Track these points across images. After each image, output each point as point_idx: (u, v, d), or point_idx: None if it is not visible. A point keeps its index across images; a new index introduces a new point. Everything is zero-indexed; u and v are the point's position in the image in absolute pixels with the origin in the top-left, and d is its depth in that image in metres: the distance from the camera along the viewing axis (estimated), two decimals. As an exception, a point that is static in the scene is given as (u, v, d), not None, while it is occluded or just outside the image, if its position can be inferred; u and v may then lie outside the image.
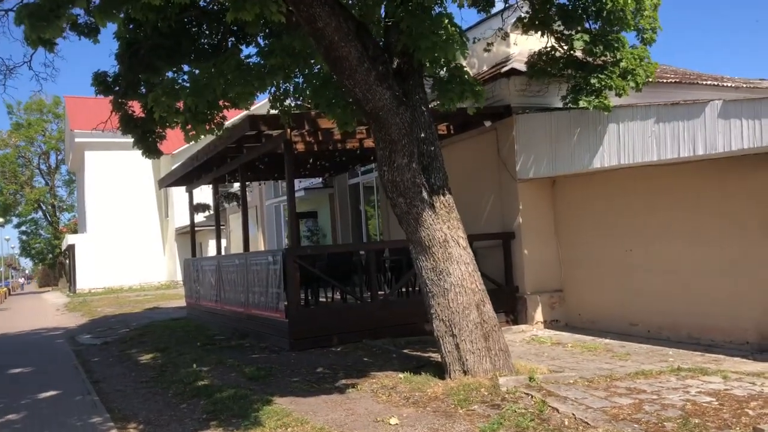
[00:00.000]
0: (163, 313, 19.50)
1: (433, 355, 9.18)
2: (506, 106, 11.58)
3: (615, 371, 7.57)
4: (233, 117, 15.96)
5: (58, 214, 62.96)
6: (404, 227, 7.33)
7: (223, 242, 32.30)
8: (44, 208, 61.79)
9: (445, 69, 8.26)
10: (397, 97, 6.92)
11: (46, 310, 27.39)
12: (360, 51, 6.61)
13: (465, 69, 8.39)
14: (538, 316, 11.48)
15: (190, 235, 17.78)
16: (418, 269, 7.36)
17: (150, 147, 11.63)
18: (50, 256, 62.80)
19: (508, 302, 11.56)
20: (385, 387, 7.33)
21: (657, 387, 6.70)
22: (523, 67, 11.21)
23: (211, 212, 17.99)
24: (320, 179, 19.53)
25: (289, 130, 10.43)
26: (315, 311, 10.74)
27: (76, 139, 40.70)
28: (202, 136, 9.04)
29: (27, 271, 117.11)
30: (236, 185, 20.07)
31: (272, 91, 9.71)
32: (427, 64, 7.64)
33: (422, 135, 7.42)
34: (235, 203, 15.36)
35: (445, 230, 7.21)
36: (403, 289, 11.78)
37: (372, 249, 11.15)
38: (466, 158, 12.69)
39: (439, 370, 7.60)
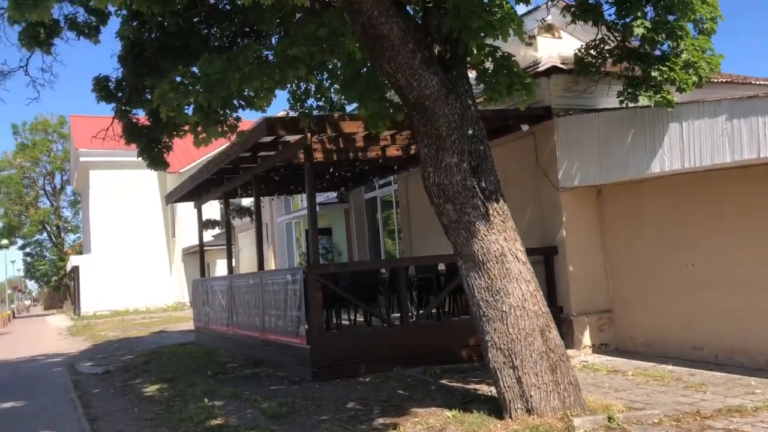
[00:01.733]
0: (169, 338, 18.38)
1: (477, 387, 8.08)
2: (546, 108, 10.53)
3: (699, 407, 6.45)
4: (244, 127, 15.00)
5: (63, 235, 62.08)
6: (452, 239, 6.25)
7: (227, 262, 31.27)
8: (49, 229, 60.95)
9: (491, 59, 7.23)
10: (445, 85, 5.88)
11: (48, 334, 26.30)
12: (403, 29, 5.58)
13: (514, 59, 7.35)
14: (586, 339, 10.33)
15: (198, 254, 16.74)
16: (469, 288, 6.26)
17: (156, 158, 10.67)
18: (55, 278, 61.80)
19: (552, 324, 10.42)
20: (433, 429, 6.21)
21: (762, 429, 5.58)
22: (564, 65, 10.21)
23: (221, 229, 16.93)
24: (335, 194, 18.50)
25: (309, 135, 9.40)
26: (339, 336, 9.63)
27: (81, 159, 39.87)
28: (213, 140, 7.98)
29: (33, 294, 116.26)
30: (245, 201, 19.08)
31: (291, 90, 8.74)
32: (475, 51, 6.61)
33: (470, 132, 6.36)
34: (247, 219, 14.32)
35: (502, 242, 6.13)
36: (433, 311, 10.70)
37: (401, 266, 10.02)
38: (499, 167, 11.54)
39: (495, 408, 6.49)
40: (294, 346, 9.52)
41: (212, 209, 20.89)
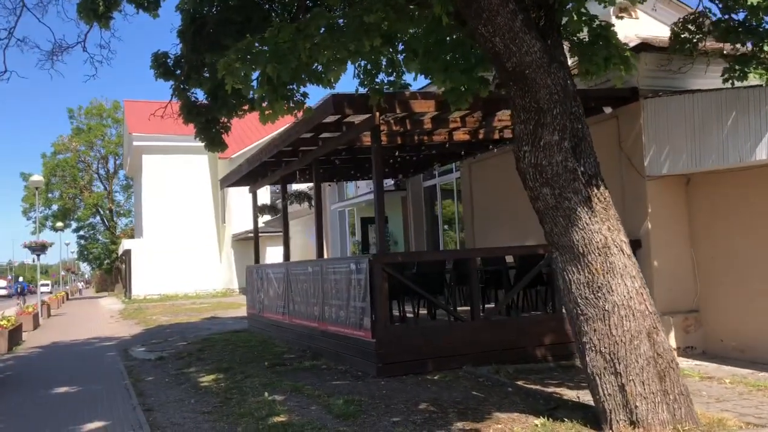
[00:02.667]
0: (221, 324, 18.10)
1: (558, 390, 7.40)
2: (632, 89, 9.70)
3: (825, 423, 5.65)
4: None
5: (115, 219, 63.04)
6: (547, 227, 5.57)
7: (281, 250, 30.98)
8: (102, 212, 61.94)
9: (587, 29, 6.50)
10: (548, 51, 5.19)
11: (100, 317, 26.45)
12: (503, -14, 4.91)
13: (613, 29, 6.60)
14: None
15: (250, 240, 16.36)
16: (566, 284, 5.58)
17: (213, 139, 10.23)
18: (107, 261, 62.85)
19: (632, 323, 9.64)
20: (521, 438, 5.57)
21: None
22: (655, 42, 9.37)
23: (273, 216, 16.50)
24: (392, 181, 17.89)
25: (377, 114, 8.79)
26: (406, 330, 9.03)
27: (134, 143, 40.18)
28: (279, 117, 7.43)
29: (86, 276, 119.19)
30: (296, 187, 18.55)
31: (361, 63, 8.11)
32: (575, 17, 5.89)
33: (572, 107, 5.65)
34: (300, 205, 13.84)
35: (605, 232, 5.43)
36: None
37: (472, 257, 9.35)
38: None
39: (589, 417, 5.82)
40: (357, 339, 8.96)
41: (262, 196, 20.47)
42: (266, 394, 7.80)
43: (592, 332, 5.43)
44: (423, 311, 10.75)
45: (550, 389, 7.50)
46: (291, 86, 7.15)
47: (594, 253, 5.37)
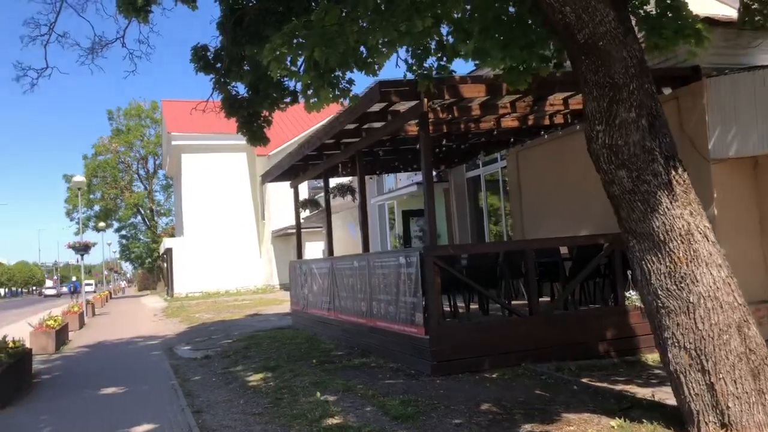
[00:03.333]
0: (265, 321, 17.93)
1: (627, 388, 6.96)
2: (694, 68, 9.16)
3: None
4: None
5: (156, 218, 63.81)
6: (623, 213, 5.13)
7: (321, 245, 30.80)
8: (143, 212, 62.72)
9: (655, 0, 6.02)
10: (623, 21, 4.75)
11: (144, 315, 26.59)
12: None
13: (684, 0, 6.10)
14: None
15: (289, 236, 16.15)
16: (644, 274, 5.13)
17: (256, 133, 10.01)
18: (148, 260, 63.66)
19: (699, 316, 9.11)
20: (599, 442, 5.15)
21: None
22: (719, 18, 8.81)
23: (311, 211, 16.24)
24: (434, 173, 17.46)
25: (426, 101, 8.42)
26: (460, 327, 8.63)
27: (173, 142, 40.43)
28: (325, 106, 7.09)
29: (128, 275, 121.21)
30: (334, 181, 18.25)
31: (409, 47, 7.74)
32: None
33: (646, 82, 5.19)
34: (348, 197, 13.54)
35: (687, 217, 4.98)
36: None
37: (529, 249, 8.90)
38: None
39: (671, 418, 5.38)
40: (409, 336, 8.60)
41: (301, 192, 20.12)
42: (318, 394, 7.50)
43: (675, 326, 4.98)
44: (473, 306, 10.37)
45: (619, 387, 7.05)
46: (336, 73, 6.84)
47: (676, 240, 4.92)
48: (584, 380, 7.40)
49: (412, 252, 8.51)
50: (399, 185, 20.27)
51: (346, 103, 7.45)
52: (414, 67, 7.69)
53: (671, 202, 4.93)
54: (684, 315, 4.94)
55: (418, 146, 12.17)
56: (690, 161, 9.25)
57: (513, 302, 9.86)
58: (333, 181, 14.81)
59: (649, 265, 5.06)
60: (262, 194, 39.80)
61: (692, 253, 4.92)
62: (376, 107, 9.28)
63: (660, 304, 5.05)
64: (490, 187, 16.36)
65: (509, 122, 11.04)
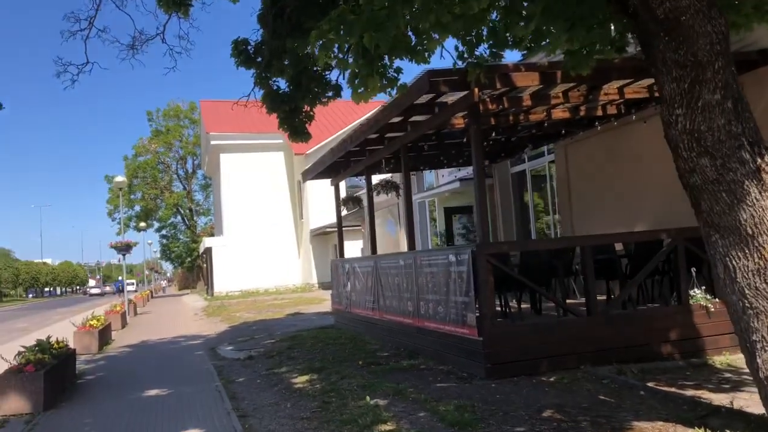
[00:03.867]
0: (306, 320, 17.72)
1: (699, 393, 6.51)
2: (760, 52, 8.61)
3: None
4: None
5: (195, 218, 64.44)
6: (705, 205, 4.68)
7: (359, 243, 30.56)
8: (182, 212, 63.38)
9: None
10: (708, -6, 4.31)
11: (185, 315, 26.68)
12: None
13: (764, -28, 5.60)
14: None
15: (333, 234, 15.90)
16: (728, 271, 4.68)
17: (297, 128, 9.72)
18: (188, 259, 64.32)
19: None
20: (680, 455, 4.73)
21: None
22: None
23: (356, 207, 15.95)
24: (477, 168, 17.02)
25: (476, 91, 8.03)
26: (515, 327, 8.21)
27: (212, 142, 40.67)
28: (372, 97, 6.77)
29: (168, 274, 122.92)
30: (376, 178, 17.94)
31: (461, 34, 7.36)
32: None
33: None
34: (392, 194, 13.20)
35: (778, 209, 4.51)
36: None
37: (587, 245, 8.44)
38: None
39: (754, 426, 4.99)
40: (460, 337, 8.23)
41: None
42: (368, 398, 7.18)
43: (765, 329, 4.52)
44: (524, 305, 9.95)
45: (689, 392, 6.59)
46: (384, 61, 6.52)
47: (766, 234, 4.46)
48: (650, 384, 6.95)
49: (463, 249, 8.13)
50: (440, 182, 19.88)
51: (393, 93, 7.11)
52: (465, 55, 7.32)
53: (760, 192, 4.47)
54: (776, 316, 4.47)
55: (464, 140, 11.81)
56: (757, 151, 8.74)
57: (567, 301, 9.42)
58: (374, 179, 14.50)
59: (734, 261, 4.61)
60: (300, 193, 39.79)
61: (784, 248, 4.46)
62: (423, 99, 8.93)
63: (747, 305, 4.60)
64: (535, 183, 15.87)
65: (560, 113, 10.57)
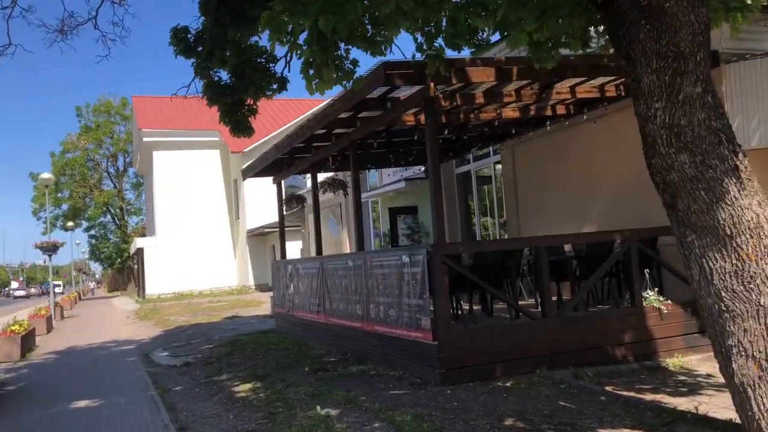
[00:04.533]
0: (245, 324, 17.10)
1: (659, 398, 6.40)
2: (711, 53, 8.58)
3: None
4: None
5: (126, 217, 62.31)
6: (682, 204, 4.48)
7: (298, 244, 29.92)
8: (113, 211, 61.21)
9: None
10: (690, -19, 4.10)
11: (115, 318, 25.53)
12: None
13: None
14: None
15: (272, 234, 15.38)
16: (704, 273, 4.49)
17: (240, 122, 9.24)
18: (119, 260, 62.10)
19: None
20: (655, 466, 4.51)
21: None
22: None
23: (298, 206, 15.45)
24: (421, 168, 16.80)
25: (432, 85, 7.73)
26: (470, 331, 7.92)
27: (144, 139, 39.29)
28: (327, 89, 6.37)
29: (97, 276, 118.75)
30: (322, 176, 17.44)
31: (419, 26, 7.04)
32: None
33: (705, 54, 4.55)
34: (340, 191, 12.77)
35: (756, 208, 4.35)
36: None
37: (543, 246, 8.24)
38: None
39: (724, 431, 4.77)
40: (413, 341, 7.91)
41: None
42: (318, 407, 6.75)
43: (742, 333, 4.34)
44: (475, 307, 9.72)
45: (648, 396, 6.46)
46: (340, 51, 6.14)
47: (744, 234, 4.29)
48: (608, 389, 6.78)
49: (417, 250, 7.82)
50: (384, 182, 19.58)
51: (349, 86, 6.72)
52: (423, 47, 7.00)
53: (739, 191, 4.30)
54: (753, 320, 4.30)
55: (415, 137, 11.51)
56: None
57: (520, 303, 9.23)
58: (320, 177, 14.06)
59: (711, 263, 4.42)
60: (236, 192, 38.85)
61: (763, 248, 4.30)
62: (375, 93, 8.58)
63: (723, 308, 4.42)
64: (480, 183, 15.73)
65: (511, 112, 10.39)
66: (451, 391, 7.12)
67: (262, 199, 34.64)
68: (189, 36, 8.92)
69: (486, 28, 6.27)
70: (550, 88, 9.41)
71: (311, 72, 6.01)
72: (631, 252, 8.32)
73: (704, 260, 4.48)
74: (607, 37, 6.18)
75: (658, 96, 4.29)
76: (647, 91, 4.35)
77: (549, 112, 10.62)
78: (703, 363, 7.91)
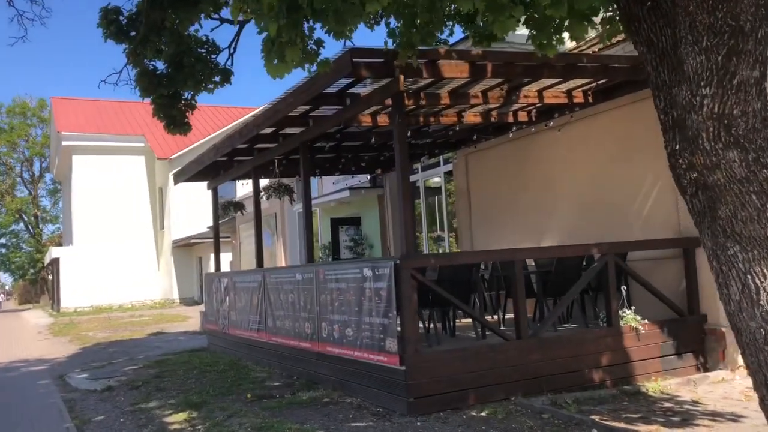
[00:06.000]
0: (172, 341, 15.76)
1: (653, 429, 5.74)
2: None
3: None
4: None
5: (41, 225, 58.85)
6: (724, 210, 3.79)
7: (228, 256, 28.44)
8: (26, 219, 57.70)
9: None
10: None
11: (26, 333, 23.46)
12: None
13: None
14: (740, 358, 7.98)
15: (213, 245, 14.21)
16: (749, 292, 3.82)
17: (176, 118, 8.29)
18: (32, 271, 58.44)
19: (694, 339, 8.11)
20: None
21: None
22: None
23: (236, 213, 14.34)
24: (366, 177, 16.00)
25: (402, 78, 6.94)
26: (441, 354, 7.07)
27: (63, 143, 36.89)
28: (286, 74, 5.49)
29: (6, 287, 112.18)
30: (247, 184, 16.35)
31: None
32: None
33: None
34: (287, 197, 11.75)
35: (812, 217, 3.72)
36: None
37: (519, 259, 7.52)
38: (616, 135, 9.28)
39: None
40: (375, 365, 7.03)
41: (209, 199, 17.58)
42: (270, 445, 5.79)
43: (794, 359, 3.70)
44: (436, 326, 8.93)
45: (643, 428, 5.80)
46: (309, 27, 5.31)
47: (800, 247, 3.65)
48: (595, 418, 6.11)
49: (382, 263, 6.98)
50: (324, 191, 18.66)
51: (313, 70, 5.84)
52: (396, 32, 6.22)
53: (795, 196, 3.67)
54: (809, 344, 3.67)
55: (372, 140, 10.69)
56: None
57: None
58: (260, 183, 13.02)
59: (758, 280, 3.76)
60: (161, 201, 37.00)
61: (820, 263, 3.67)
62: (334, 88, 7.72)
63: (775, 329, 3.76)
64: (429, 194, 15.04)
65: (472, 117, 9.76)
66: (421, 422, 6.28)
67: (189, 209, 33.03)
68: (121, 18, 7.87)
69: (468, 10, 5.46)
70: (519, 90, 8.79)
71: (273, 50, 5.15)
72: (608, 267, 7.73)
73: (749, 276, 3.81)
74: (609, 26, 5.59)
75: (706, 81, 3.61)
76: (692, 74, 3.66)
77: (511, 119, 10.05)
78: (683, 388, 7.41)
